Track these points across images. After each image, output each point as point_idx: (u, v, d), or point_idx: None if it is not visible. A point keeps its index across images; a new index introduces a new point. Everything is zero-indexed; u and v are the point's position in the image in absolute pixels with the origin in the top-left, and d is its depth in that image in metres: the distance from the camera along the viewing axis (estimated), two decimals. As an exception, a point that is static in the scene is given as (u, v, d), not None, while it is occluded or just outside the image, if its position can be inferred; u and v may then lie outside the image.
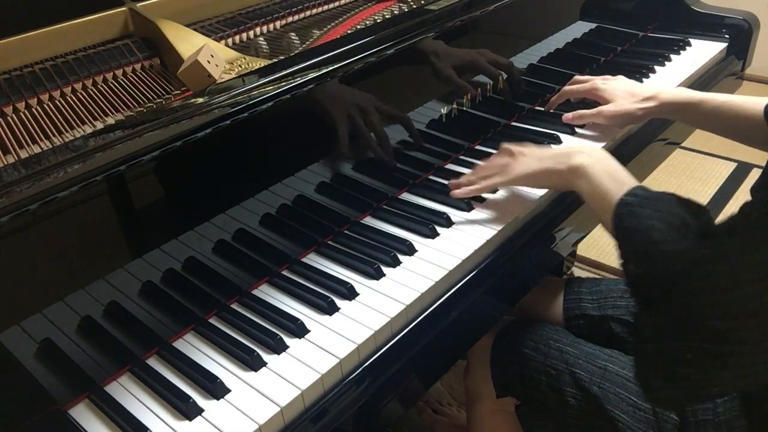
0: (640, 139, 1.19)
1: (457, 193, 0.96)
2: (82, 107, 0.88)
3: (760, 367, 0.62)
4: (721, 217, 0.67)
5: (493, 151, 1.10)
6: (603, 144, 1.11)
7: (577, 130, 1.15)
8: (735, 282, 0.60)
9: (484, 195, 0.99)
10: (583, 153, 0.85)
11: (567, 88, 1.17)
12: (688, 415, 0.84)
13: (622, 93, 1.10)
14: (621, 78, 1.16)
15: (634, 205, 0.73)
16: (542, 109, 1.24)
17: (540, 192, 0.98)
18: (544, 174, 0.89)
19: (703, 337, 0.62)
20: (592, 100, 1.15)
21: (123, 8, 1.00)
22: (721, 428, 0.82)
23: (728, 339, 0.60)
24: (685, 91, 1.06)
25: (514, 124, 1.20)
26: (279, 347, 0.75)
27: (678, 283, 0.64)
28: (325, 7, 1.21)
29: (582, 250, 2.07)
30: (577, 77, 1.18)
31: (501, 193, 1.00)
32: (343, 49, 0.92)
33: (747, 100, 0.99)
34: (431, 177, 1.06)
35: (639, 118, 1.09)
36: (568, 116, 1.14)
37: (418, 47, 1.00)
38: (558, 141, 1.12)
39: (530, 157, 0.92)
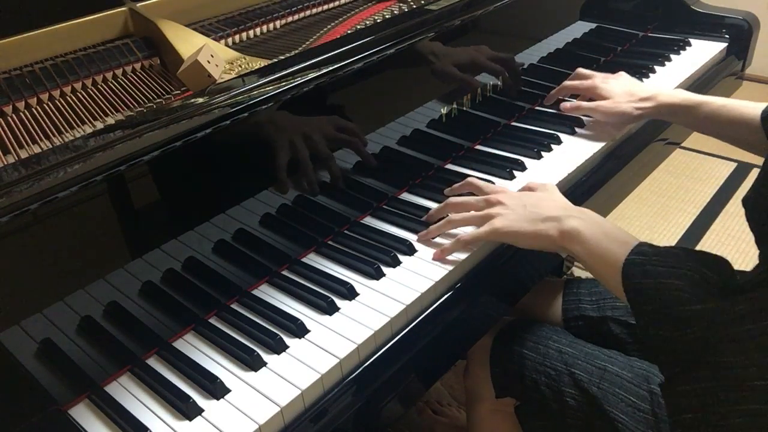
0: (640, 139, 1.19)
1: (435, 255, 0.87)
2: (82, 107, 0.88)
3: None
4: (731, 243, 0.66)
5: (494, 151, 1.11)
6: (602, 144, 1.11)
7: (577, 130, 1.15)
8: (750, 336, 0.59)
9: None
10: (574, 216, 0.80)
11: (567, 83, 1.18)
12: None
13: (620, 92, 1.10)
14: (623, 75, 1.16)
15: (644, 264, 0.69)
16: (542, 109, 1.24)
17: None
18: (532, 236, 0.83)
19: (751, 397, 0.59)
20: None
21: (123, 8, 1.00)
22: (720, 429, 0.82)
23: (757, 388, 0.59)
24: (683, 93, 1.06)
25: (514, 124, 1.20)
26: (279, 347, 0.75)
27: (711, 344, 0.61)
28: (325, 7, 1.21)
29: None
30: (580, 70, 1.19)
31: (501, 193, 0.99)
32: (343, 49, 0.92)
33: (745, 105, 0.99)
34: (431, 177, 1.06)
35: (635, 118, 1.10)
36: (566, 105, 1.16)
37: (418, 47, 1.00)
38: (558, 141, 1.12)
39: (513, 211, 0.85)
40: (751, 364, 0.60)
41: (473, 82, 1.12)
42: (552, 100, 1.21)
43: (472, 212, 0.88)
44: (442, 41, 1.04)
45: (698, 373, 0.63)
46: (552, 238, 0.81)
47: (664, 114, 1.08)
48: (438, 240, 0.90)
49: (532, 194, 0.89)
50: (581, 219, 0.80)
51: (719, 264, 0.69)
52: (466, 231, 0.88)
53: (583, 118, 1.17)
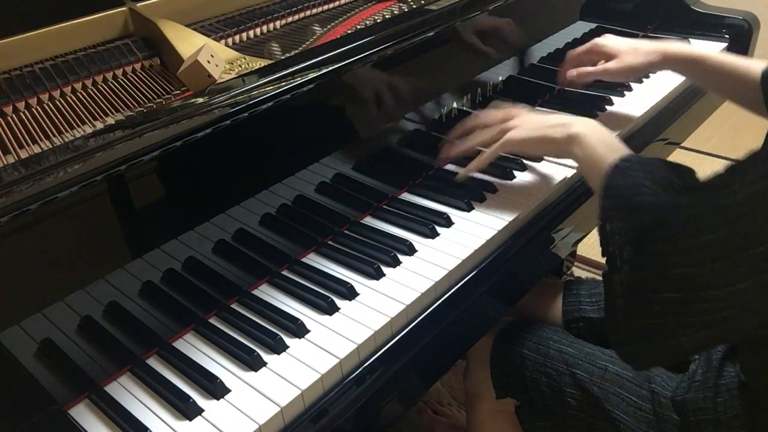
0: (640, 139, 1.19)
1: (459, 176, 0.98)
2: (82, 107, 0.88)
3: (725, 315, 0.62)
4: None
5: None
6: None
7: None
8: (702, 227, 0.61)
9: (485, 194, 0.99)
10: (580, 123, 0.88)
11: (571, 51, 1.17)
12: (689, 414, 0.84)
13: (626, 48, 1.11)
14: (618, 36, 1.16)
15: (626, 168, 0.76)
16: (542, 108, 1.24)
17: (540, 192, 0.98)
18: (541, 141, 0.91)
19: (669, 285, 0.63)
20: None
21: (123, 8, 1.00)
22: (722, 426, 0.82)
23: (694, 285, 0.62)
24: (688, 47, 1.08)
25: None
26: (279, 347, 0.75)
27: (652, 231, 0.65)
28: (325, 7, 1.21)
29: (582, 250, 2.07)
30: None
31: (501, 193, 1.00)
32: (343, 49, 0.92)
33: (749, 63, 1.00)
34: (431, 177, 1.06)
35: (642, 71, 1.11)
36: (572, 73, 1.15)
37: (419, 46, 1.00)
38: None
39: (527, 122, 0.93)
40: (676, 250, 0.63)
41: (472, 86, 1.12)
42: (565, 77, 1.19)
43: (488, 131, 0.95)
44: (442, 41, 1.04)
45: (634, 263, 0.67)
46: (558, 141, 0.88)
47: (669, 65, 1.09)
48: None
49: (544, 113, 0.97)
50: (585, 125, 0.87)
51: (688, 173, 0.74)
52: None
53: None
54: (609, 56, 1.11)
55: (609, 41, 1.12)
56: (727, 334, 0.66)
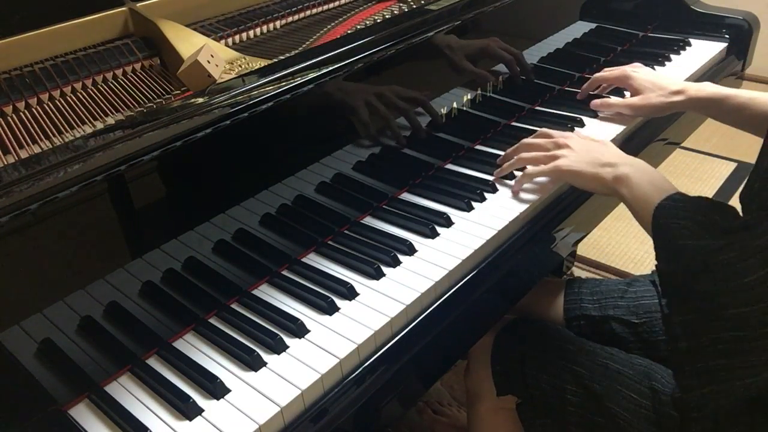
0: (640, 139, 1.19)
1: (514, 188, 0.99)
2: (82, 107, 0.88)
3: None
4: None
5: (494, 151, 1.11)
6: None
7: (577, 129, 1.15)
8: (740, 270, 0.64)
9: (485, 194, 0.99)
10: (628, 164, 0.88)
11: (598, 75, 1.20)
12: (689, 412, 0.84)
13: (650, 85, 1.12)
14: (646, 68, 1.18)
15: (669, 208, 0.77)
16: (542, 109, 1.24)
17: (541, 192, 0.98)
18: (589, 178, 0.91)
19: (727, 325, 0.65)
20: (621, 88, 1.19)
21: (123, 8, 1.00)
22: (722, 423, 0.82)
23: (750, 323, 0.64)
24: (712, 87, 1.08)
25: (514, 124, 1.20)
26: (279, 347, 0.75)
27: (699, 275, 0.67)
28: (325, 7, 1.21)
29: (582, 250, 2.07)
30: (608, 69, 1.20)
31: (501, 193, 1.00)
32: (343, 49, 0.92)
33: None
34: (431, 177, 1.06)
35: (665, 111, 1.12)
36: (596, 103, 1.18)
37: (418, 46, 1.00)
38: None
39: (577, 155, 0.94)
40: (725, 292, 0.65)
41: (484, 75, 1.14)
42: (585, 94, 1.23)
43: (541, 153, 0.97)
44: (442, 41, 1.04)
45: (690, 304, 0.69)
46: (606, 181, 0.89)
47: (693, 107, 1.10)
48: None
49: (594, 143, 0.97)
50: (633, 167, 0.88)
51: (728, 212, 0.75)
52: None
53: (583, 118, 1.17)
54: (634, 90, 1.13)
55: (638, 76, 1.13)
56: None
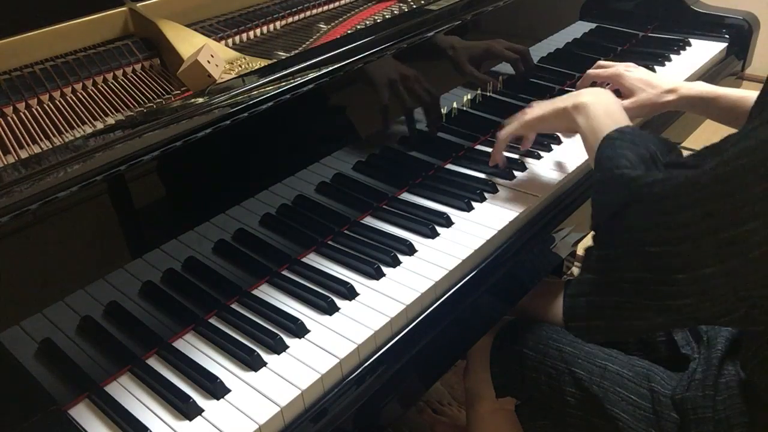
0: (640, 139, 1.19)
1: (492, 161, 1.04)
2: (82, 107, 0.88)
3: (685, 302, 0.62)
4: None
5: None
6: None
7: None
8: (676, 205, 0.61)
9: (485, 194, 0.99)
10: (589, 93, 0.90)
11: (591, 71, 1.19)
12: (689, 413, 0.84)
13: (642, 85, 1.11)
14: (640, 68, 1.17)
15: (616, 139, 0.77)
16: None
17: (541, 192, 0.98)
18: (551, 114, 0.94)
19: (638, 264, 0.63)
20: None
21: (123, 8, 1.00)
22: (721, 425, 0.82)
23: (662, 265, 0.62)
24: (704, 86, 1.07)
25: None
26: (279, 347, 0.75)
27: (629, 205, 0.65)
28: (325, 8, 1.21)
29: (582, 250, 2.07)
30: (601, 62, 1.19)
31: (502, 193, 1.00)
32: (343, 49, 0.92)
33: None
34: (431, 177, 1.06)
35: (657, 110, 1.11)
36: None
37: (418, 47, 1.00)
38: (558, 141, 1.12)
39: (541, 105, 0.98)
40: (648, 227, 0.63)
41: (484, 77, 1.14)
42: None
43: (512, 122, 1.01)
44: (442, 41, 1.05)
45: (611, 236, 0.67)
46: (565, 110, 0.91)
47: (685, 106, 1.09)
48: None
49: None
50: (593, 96, 0.89)
51: (673, 149, 0.75)
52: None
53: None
54: (626, 90, 1.13)
55: (630, 75, 1.13)
56: (683, 321, 0.65)
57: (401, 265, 0.87)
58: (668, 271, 0.61)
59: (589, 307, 0.69)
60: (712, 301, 0.62)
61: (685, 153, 0.75)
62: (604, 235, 0.69)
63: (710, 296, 0.61)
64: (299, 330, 0.77)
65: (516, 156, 1.08)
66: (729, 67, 1.44)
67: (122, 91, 0.92)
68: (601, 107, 0.87)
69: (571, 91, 1.26)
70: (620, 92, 1.17)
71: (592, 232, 0.72)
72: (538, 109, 0.98)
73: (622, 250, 0.66)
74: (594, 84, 1.22)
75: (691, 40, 1.46)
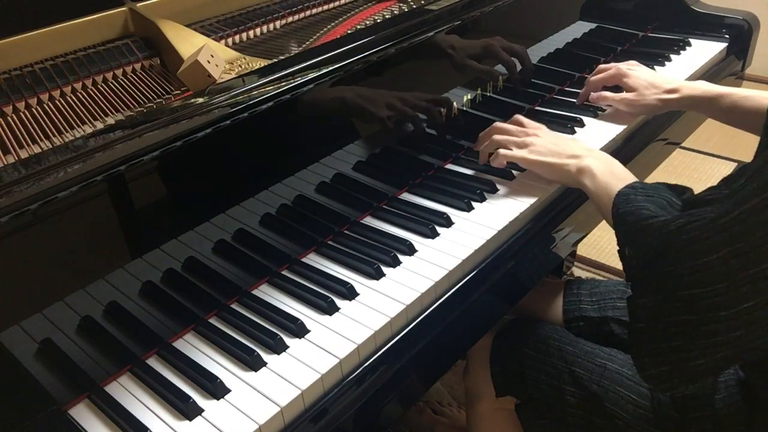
0: (640, 139, 1.19)
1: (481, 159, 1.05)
2: (82, 107, 0.88)
3: (737, 335, 0.63)
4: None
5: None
6: (602, 144, 1.12)
7: (577, 130, 1.15)
8: (703, 249, 0.63)
9: (485, 194, 0.99)
10: (592, 156, 0.91)
11: (593, 78, 1.20)
12: (688, 412, 0.84)
13: (644, 83, 1.12)
14: (642, 67, 1.17)
15: (629, 195, 0.78)
16: (542, 109, 1.24)
17: (541, 192, 0.98)
18: (555, 168, 0.94)
19: (682, 307, 0.64)
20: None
21: (123, 8, 1.00)
22: (721, 424, 0.82)
23: (702, 306, 0.63)
24: (706, 85, 1.08)
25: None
26: (279, 347, 0.75)
27: (661, 254, 0.67)
28: (325, 7, 1.21)
29: (582, 250, 2.07)
30: (601, 66, 1.20)
31: (501, 193, 1.00)
32: (343, 49, 0.92)
33: (766, 96, 1.00)
34: (431, 177, 1.06)
35: (659, 109, 1.12)
36: (593, 96, 1.20)
37: (418, 46, 1.00)
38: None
39: (545, 146, 0.97)
40: (683, 273, 0.64)
41: (491, 72, 1.15)
42: (584, 99, 1.23)
43: (512, 138, 1.01)
44: (442, 41, 1.05)
45: (651, 285, 0.68)
46: (570, 172, 0.92)
47: (687, 105, 1.10)
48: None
49: (562, 136, 1.03)
50: (596, 159, 0.91)
51: (685, 191, 0.77)
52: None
53: (583, 118, 1.17)
54: (629, 89, 1.14)
55: (633, 74, 1.14)
56: (742, 353, 0.66)
57: (401, 265, 0.87)
58: (711, 311, 0.63)
59: (650, 355, 0.70)
60: (763, 328, 0.63)
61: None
62: (643, 285, 0.70)
63: (760, 325, 0.62)
64: (299, 330, 0.77)
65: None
66: (729, 67, 1.44)
67: (122, 91, 0.92)
68: (605, 168, 0.88)
69: (572, 91, 1.27)
70: (622, 89, 1.17)
71: (630, 283, 0.73)
72: (540, 153, 0.96)
73: (662, 296, 0.67)
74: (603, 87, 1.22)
75: (691, 40, 1.46)
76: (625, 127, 1.15)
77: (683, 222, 0.66)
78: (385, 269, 0.86)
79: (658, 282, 0.67)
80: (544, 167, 0.96)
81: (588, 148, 0.94)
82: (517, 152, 0.98)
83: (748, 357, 0.76)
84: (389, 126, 1.00)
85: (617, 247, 0.76)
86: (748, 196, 0.60)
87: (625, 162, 0.91)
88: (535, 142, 0.98)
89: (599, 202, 0.86)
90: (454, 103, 1.10)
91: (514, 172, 1.04)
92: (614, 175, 0.86)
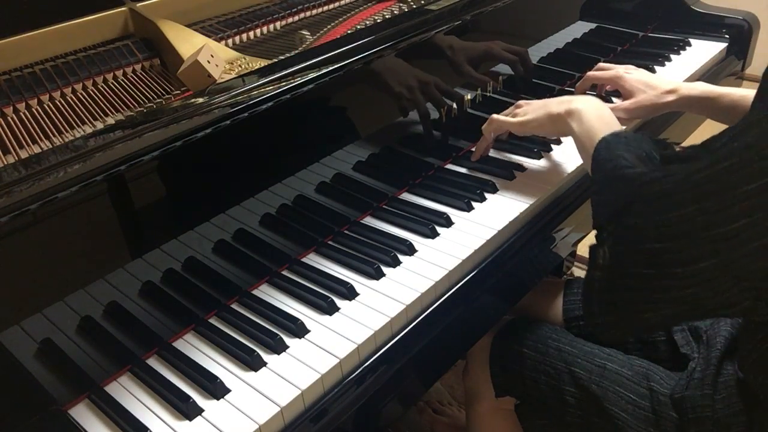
0: (640, 139, 1.19)
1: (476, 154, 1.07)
2: (82, 107, 0.88)
3: (690, 292, 0.63)
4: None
5: (493, 152, 1.11)
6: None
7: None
8: (672, 202, 0.63)
9: (485, 194, 0.99)
10: (581, 100, 0.92)
11: (591, 73, 1.20)
12: (688, 412, 0.84)
13: (642, 86, 1.12)
14: (639, 70, 1.17)
15: (611, 141, 0.79)
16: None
17: (541, 192, 0.98)
18: (544, 118, 0.96)
19: (642, 260, 0.65)
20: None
21: (123, 8, 1.00)
22: (720, 425, 0.82)
23: (661, 261, 0.63)
24: (704, 86, 1.08)
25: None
26: (279, 347, 0.75)
27: (630, 204, 0.67)
28: (325, 8, 1.21)
29: (582, 250, 2.07)
30: (602, 65, 1.20)
31: (501, 193, 1.00)
32: (343, 49, 0.92)
33: None
34: (431, 177, 1.06)
35: (658, 111, 1.12)
36: None
37: (418, 47, 1.00)
38: (558, 141, 1.12)
39: (534, 106, 1.00)
40: (648, 225, 0.64)
41: (484, 78, 1.15)
42: (580, 93, 1.22)
43: (502, 119, 1.03)
44: (443, 41, 1.05)
45: (614, 234, 0.69)
46: (560, 115, 0.93)
47: (686, 106, 1.10)
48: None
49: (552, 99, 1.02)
50: (586, 103, 0.91)
51: (666, 146, 0.77)
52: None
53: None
54: (626, 92, 1.13)
55: (630, 77, 1.13)
56: (690, 312, 0.67)
57: (401, 265, 0.87)
58: (668, 266, 0.63)
59: (600, 304, 0.70)
60: (714, 291, 0.63)
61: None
62: (607, 234, 0.70)
63: (712, 287, 0.62)
64: (299, 330, 0.77)
65: (516, 157, 1.08)
66: (729, 67, 1.45)
67: (122, 91, 0.92)
68: (593, 112, 0.89)
69: (571, 91, 1.27)
70: (620, 94, 1.17)
71: (595, 231, 0.73)
72: (532, 112, 0.99)
73: (623, 248, 0.67)
74: (594, 86, 1.22)
75: (691, 40, 1.46)
76: (624, 128, 1.15)
77: (657, 176, 0.66)
78: (385, 269, 0.86)
79: (622, 232, 0.67)
80: (535, 121, 0.98)
81: (579, 96, 0.96)
82: (507, 118, 1.01)
83: (695, 317, 0.77)
84: (403, 104, 1.01)
85: (591, 191, 0.77)
86: (726, 155, 0.60)
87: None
88: (526, 108, 1.01)
89: (583, 146, 0.87)
90: (454, 104, 1.10)
91: (514, 172, 1.04)
92: (601, 120, 0.87)
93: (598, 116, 0.88)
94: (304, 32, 1.09)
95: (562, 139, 1.13)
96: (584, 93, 1.22)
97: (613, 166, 0.74)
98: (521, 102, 1.05)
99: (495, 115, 1.03)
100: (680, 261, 0.62)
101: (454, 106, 1.11)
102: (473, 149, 1.13)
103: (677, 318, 0.69)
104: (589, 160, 0.81)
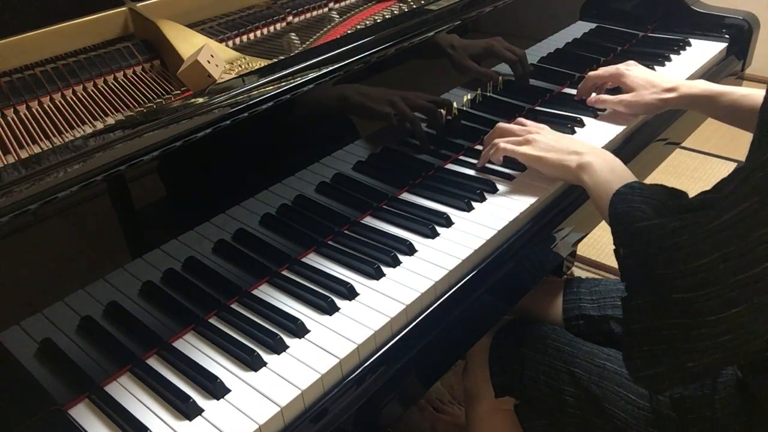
0: (640, 139, 1.19)
1: (480, 164, 1.07)
2: (82, 107, 0.88)
3: (726, 339, 0.63)
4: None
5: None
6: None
7: (577, 130, 1.15)
8: (694, 252, 0.63)
9: (485, 194, 0.99)
10: (592, 153, 0.92)
11: (592, 73, 1.20)
12: (687, 412, 0.84)
13: (643, 82, 1.12)
14: (640, 66, 1.17)
15: (626, 194, 0.78)
16: (542, 108, 1.24)
17: (541, 192, 0.98)
18: (554, 164, 0.95)
19: (673, 310, 0.65)
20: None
21: (123, 8, 1.00)
22: (719, 425, 0.82)
23: (693, 310, 0.63)
24: (704, 84, 1.08)
25: (513, 124, 1.20)
26: (279, 347, 0.75)
27: (656, 256, 0.67)
28: (326, 9, 1.21)
29: (582, 250, 2.08)
30: (603, 67, 1.20)
31: (501, 193, 1.00)
32: (343, 49, 0.92)
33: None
34: (431, 177, 1.06)
35: (658, 108, 1.12)
36: (591, 99, 1.20)
37: (418, 46, 1.00)
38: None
39: (546, 143, 0.98)
40: (675, 276, 0.64)
41: (489, 74, 1.15)
42: (582, 94, 1.23)
43: (515, 138, 1.02)
44: (442, 41, 1.05)
45: (644, 287, 0.69)
46: (571, 168, 0.92)
47: (686, 104, 1.10)
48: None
49: (563, 135, 1.03)
50: (597, 155, 0.91)
51: (680, 195, 0.77)
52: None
53: (583, 118, 1.17)
54: (627, 88, 1.14)
55: (631, 74, 1.14)
56: (731, 357, 0.67)
57: (401, 265, 0.87)
58: (701, 315, 0.63)
59: (644, 357, 0.70)
60: (754, 334, 0.63)
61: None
62: (638, 286, 0.70)
63: (749, 330, 0.63)
64: (299, 330, 0.77)
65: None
66: (729, 67, 1.44)
67: (122, 91, 0.92)
68: (605, 165, 0.88)
69: (572, 93, 1.27)
70: (621, 90, 1.17)
71: (625, 284, 0.73)
72: (543, 150, 0.97)
73: (656, 298, 0.67)
74: (596, 85, 1.22)
75: (691, 40, 1.46)
76: (624, 127, 1.15)
77: (675, 226, 0.66)
78: (385, 269, 0.86)
79: (652, 284, 0.67)
80: (545, 163, 0.96)
81: (590, 146, 0.95)
82: (518, 147, 0.99)
83: (738, 361, 0.77)
84: (391, 123, 1.00)
85: (614, 247, 0.77)
86: (737, 201, 0.61)
87: (625, 162, 0.91)
88: (537, 138, 0.99)
89: (598, 199, 0.86)
90: (454, 104, 1.10)
91: (514, 172, 1.04)
92: (614, 173, 0.86)
93: (610, 169, 0.88)
94: (304, 33, 1.09)
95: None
96: (587, 93, 1.22)
97: (630, 219, 0.74)
98: (528, 123, 1.04)
99: (502, 144, 1.01)
100: (711, 309, 0.62)
101: (455, 106, 1.11)
102: (473, 148, 1.13)
103: (720, 364, 0.68)
104: (605, 212, 0.81)
